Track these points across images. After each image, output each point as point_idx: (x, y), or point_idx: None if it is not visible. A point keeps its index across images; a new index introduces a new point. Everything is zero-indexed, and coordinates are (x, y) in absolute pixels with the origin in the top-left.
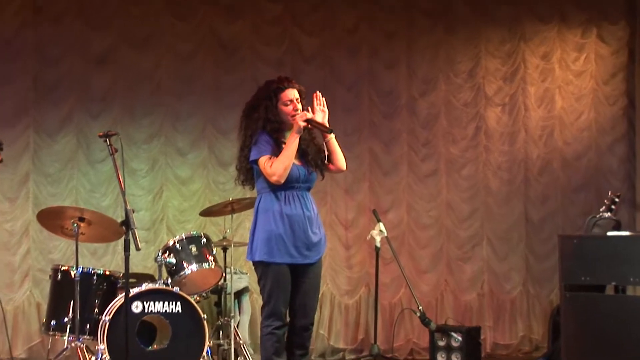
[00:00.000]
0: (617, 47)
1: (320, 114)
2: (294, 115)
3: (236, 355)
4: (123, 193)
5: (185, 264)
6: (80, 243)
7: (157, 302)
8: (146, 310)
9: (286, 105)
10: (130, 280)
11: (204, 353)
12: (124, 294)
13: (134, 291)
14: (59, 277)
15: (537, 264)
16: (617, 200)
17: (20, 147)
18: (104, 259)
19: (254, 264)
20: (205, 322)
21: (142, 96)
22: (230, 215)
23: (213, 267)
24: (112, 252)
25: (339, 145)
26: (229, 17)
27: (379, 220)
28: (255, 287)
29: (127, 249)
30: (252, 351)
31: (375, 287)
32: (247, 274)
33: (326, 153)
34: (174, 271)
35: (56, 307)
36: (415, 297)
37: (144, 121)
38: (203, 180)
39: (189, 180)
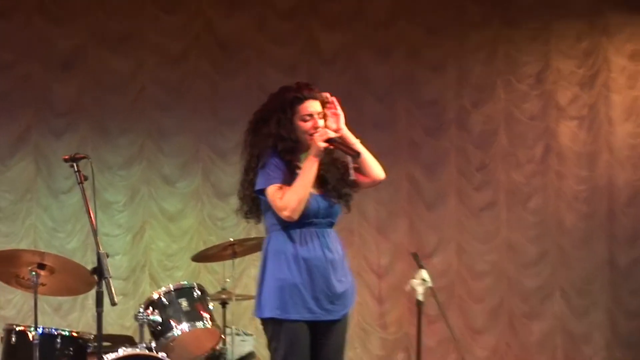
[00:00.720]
0: None
1: (333, 120)
2: (312, 134)
3: None
4: (94, 232)
5: (173, 323)
6: (40, 296)
7: None
8: None
9: (305, 120)
10: (105, 343)
11: None
12: None
13: (108, 358)
14: (13, 339)
15: (625, 321)
16: None
17: None
18: (70, 317)
19: (262, 322)
20: None
21: (119, 109)
22: (231, 261)
23: (209, 326)
24: (81, 307)
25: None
26: (229, 8)
27: (421, 267)
28: (263, 353)
29: (99, 303)
30: None
31: (417, 352)
32: (252, 335)
33: (352, 167)
34: (160, 332)
35: None
36: None
37: (121, 140)
38: (196, 216)
39: (178, 216)
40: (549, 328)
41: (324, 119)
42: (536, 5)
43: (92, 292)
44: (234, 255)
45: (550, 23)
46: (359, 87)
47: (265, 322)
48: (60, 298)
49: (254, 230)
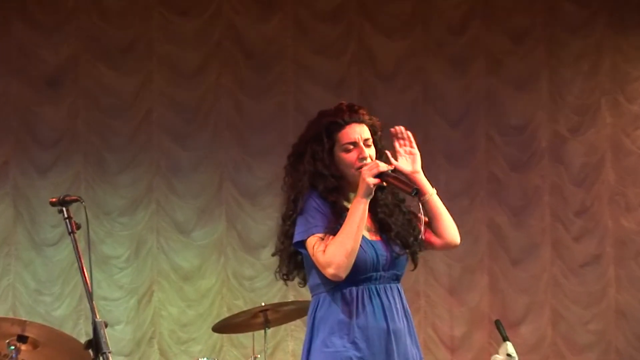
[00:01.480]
0: None
1: (406, 160)
2: (359, 167)
3: None
4: (89, 295)
5: None
6: None
7: None
8: None
9: (347, 151)
10: None
11: None
12: None
13: None
14: None
15: None
16: None
17: None
18: None
19: None
20: None
21: (120, 137)
22: (262, 331)
23: None
24: None
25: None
26: (258, 8)
27: (505, 338)
28: None
29: None
30: None
31: None
32: None
33: (423, 219)
34: None
35: None
36: None
37: (123, 178)
38: (218, 274)
39: (195, 274)
40: None
41: (382, 154)
42: None
43: None
44: (267, 324)
45: None
46: (426, 109)
47: None
48: None
49: (292, 291)
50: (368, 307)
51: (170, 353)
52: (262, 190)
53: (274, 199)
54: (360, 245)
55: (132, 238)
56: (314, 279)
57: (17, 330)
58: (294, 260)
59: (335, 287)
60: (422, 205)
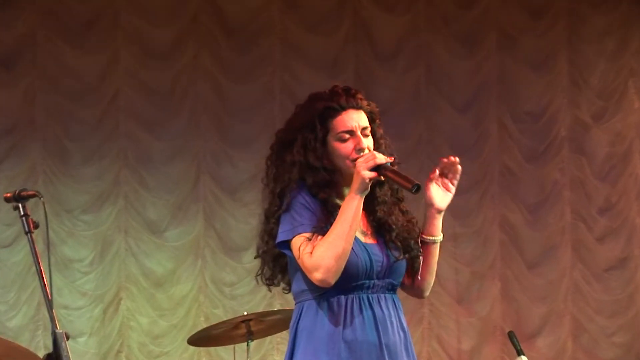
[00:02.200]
0: None
1: (440, 191)
2: (355, 159)
3: None
4: (49, 304)
5: None
6: None
7: None
8: None
9: (342, 140)
10: None
11: None
12: None
13: None
14: None
15: None
16: None
17: None
18: None
19: None
20: None
21: (82, 124)
22: (245, 343)
23: None
24: None
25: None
26: None
27: (520, 353)
28: None
29: None
30: None
31: None
32: None
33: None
34: None
35: None
36: None
37: (86, 170)
38: (194, 279)
39: (168, 279)
40: None
41: (380, 141)
42: None
43: None
44: (250, 336)
45: None
46: (430, 93)
47: None
48: None
49: (279, 299)
50: (357, 319)
51: None
52: (245, 184)
53: (258, 195)
54: (352, 248)
55: (96, 238)
56: (298, 284)
57: None
58: (279, 263)
59: (322, 294)
60: (421, 243)
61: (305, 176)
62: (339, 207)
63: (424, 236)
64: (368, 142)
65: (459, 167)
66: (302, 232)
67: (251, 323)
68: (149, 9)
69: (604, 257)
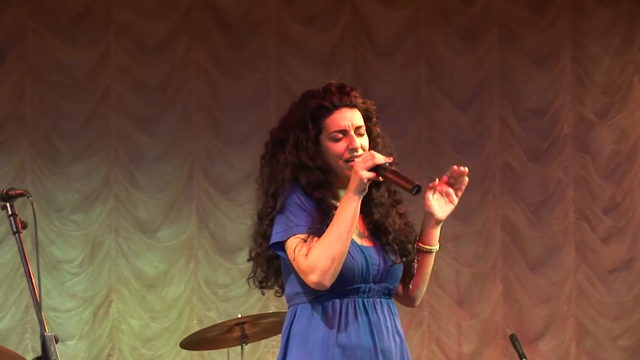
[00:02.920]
0: None
1: (442, 201)
2: (348, 160)
3: None
4: (37, 306)
5: None
6: None
7: None
8: None
9: (335, 140)
10: None
11: None
12: None
13: None
14: None
15: None
16: None
17: None
18: None
19: None
20: None
21: (72, 121)
22: (239, 347)
23: None
24: None
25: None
26: None
27: (522, 356)
28: None
29: None
30: None
31: None
32: None
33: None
34: None
35: None
36: None
37: (76, 169)
38: (187, 281)
39: (160, 281)
40: None
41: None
42: None
43: None
44: (244, 339)
45: None
46: (430, 89)
47: None
48: None
49: (274, 301)
50: (352, 325)
51: None
52: (239, 183)
53: (253, 194)
54: (348, 250)
55: (86, 239)
56: (292, 287)
57: None
58: (273, 265)
59: (317, 298)
60: (418, 251)
61: (298, 176)
62: (334, 207)
63: (420, 244)
64: (362, 141)
65: (467, 178)
66: (297, 233)
67: (245, 326)
68: (141, 2)
69: (608, 258)
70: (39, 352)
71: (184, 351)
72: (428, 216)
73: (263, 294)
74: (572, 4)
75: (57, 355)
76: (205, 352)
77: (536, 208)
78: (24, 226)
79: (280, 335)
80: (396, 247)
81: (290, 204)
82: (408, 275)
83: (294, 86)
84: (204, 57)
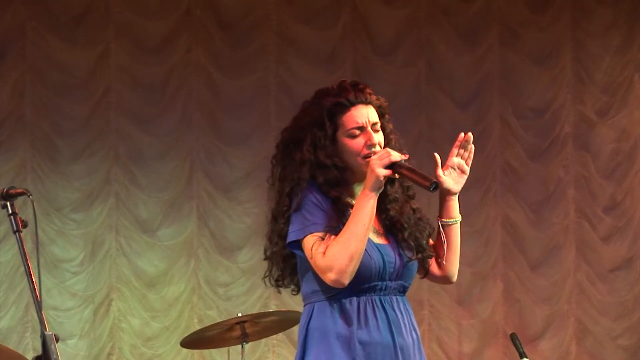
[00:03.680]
0: None
1: (455, 175)
2: (367, 156)
3: None
4: (38, 305)
5: None
6: None
7: None
8: None
9: (353, 136)
10: None
11: None
12: None
13: None
14: None
15: None
16: None
17: None
18: None
19: None
20: None
21: (72, 120)
22: (239, 346)
23: None
24: None
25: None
26: None
27: (522, 356)
28: None
29: None
30: None
31: None
32: None
33: (445, 243)
34: None
35: None
36: None
37: (76, 168)
38: (188, 280)
39: (160, 279)
40: None
41: (390, 137)
42: None
43: None
44: (245, 338)
45: None
46: (430, 88)
47: None
48: None
49: (274, 300)
50: (372, 321)
51: None
52: (239, 182)
53: (253, 193)
54: (365, 249)
55: (87, 238)
56: (309, 285)
57: None
58: (289, 264)
59: (334, 295)
60: (442, 227)
61: (315, 175)
62: (350, 205)
63: (443, 219)
64: (379, 137)
65: (473, 146)
66: (314, 232)
67: (246, 325)
68: (141, 2)
69: (609, 257)
70: (40, 351)
71: (185, 350)
72: (444, 192)
73: (280, 292)
74: (572, 3)
75: (57, 354)
76: (206, 351)
77: (536, 207)
78: (25, 225)
79: (280, 334)
80: (412, 244)
81: (306, 203)
82: (424, 270)
83: (294, 85)
84: (204, 57)
